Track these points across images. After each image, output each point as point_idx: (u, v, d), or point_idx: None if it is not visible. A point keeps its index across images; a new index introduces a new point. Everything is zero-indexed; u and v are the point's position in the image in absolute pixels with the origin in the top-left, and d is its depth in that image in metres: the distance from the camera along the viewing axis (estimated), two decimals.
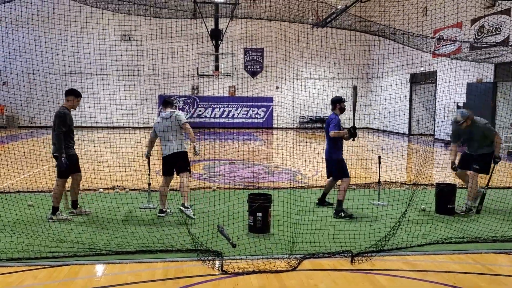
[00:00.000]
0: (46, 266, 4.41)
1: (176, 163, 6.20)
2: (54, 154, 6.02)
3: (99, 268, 4.44)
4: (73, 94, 6.14)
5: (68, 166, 5.90)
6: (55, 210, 5.95)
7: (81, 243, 5.04)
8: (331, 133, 6.30)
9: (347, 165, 6.57)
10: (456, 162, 6.81)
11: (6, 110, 22.30)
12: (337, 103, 6.53)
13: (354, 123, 6.25)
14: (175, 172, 6.29)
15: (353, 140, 6.30)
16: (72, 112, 6.21)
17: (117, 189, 7.94)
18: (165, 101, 6.37)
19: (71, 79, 19.99)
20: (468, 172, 6.80)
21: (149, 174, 6.99)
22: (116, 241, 5.10)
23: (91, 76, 20.18)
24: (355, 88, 6.35)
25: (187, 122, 6.25)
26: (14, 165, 9.15)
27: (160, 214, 6.21)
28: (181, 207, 5.89)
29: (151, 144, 6.45)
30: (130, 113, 18.90)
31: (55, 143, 5.96)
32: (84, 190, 6.67)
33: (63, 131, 5.90)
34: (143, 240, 5.19)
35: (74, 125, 6.20)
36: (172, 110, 6.28)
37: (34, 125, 21.99)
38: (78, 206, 6.39)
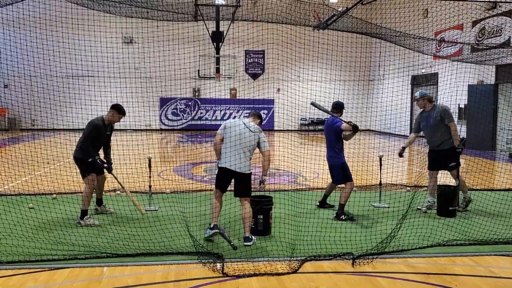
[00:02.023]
0: (46, 269, 4.40)
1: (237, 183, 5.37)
2: (76, 157, 6.06)
3: (100, 271, 4.44)
4: (115, 109, 6.15)
5: (102, 164, 6.09)
6: (83, 214, 5.89)
7: (81, 246, 5.04)
8: (343, 125, 6.14)
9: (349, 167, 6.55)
10: (407, 149, 7.09)
11: (8, 113, 22.34)
12: (343, 109, 6.50)
13: (344, 121, 6.17)
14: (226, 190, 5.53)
15: (358, 131, 6.08)
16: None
17: (118, 191, 7.93)
18: (255, 114, 5.59)
19: (72, 82, 20.08)
20: (450, 172, 6.85)
21: (149, 176, 6.98)
22: (117, 243, 5.09)
23: (92, 78, 20.20)
24: (313, 103, 6.28)
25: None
26: (16, 168, 9.16)
27: (210, 231, 5.25)
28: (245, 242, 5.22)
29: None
30: (131, 115, 18.93)
31: (81, 146, 6.02)
32: None
33: (84, 141, 5.97)
34: (144, 242, 5.18)
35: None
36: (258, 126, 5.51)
37: (36, 127, 22.03)
38: (103, 204, 6.53)
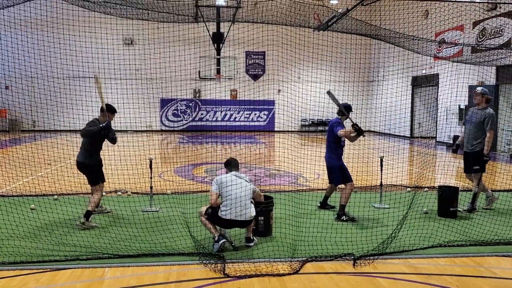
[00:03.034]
0: (48, 270, 4.42)
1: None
2: (82, 162, 6.09)
3: (101, 272, 4.45)
4: (109, 110, 6.19)
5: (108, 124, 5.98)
6: (89, 214, 5.85)
7: (83, 247, 5.05)
8: (339, 132, 6.16)
9: (348, 169, 6.56)
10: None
11: (9, 114, 22.38)
12: (350, 111, 6.44)
13: (352, 121, 6.06)
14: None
15: (363, 136, 6.01)
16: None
17: (120, 193, 7.95)
18: (236, 164, 5.37)
19: (74, 83, 20.11)
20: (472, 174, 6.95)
21: (151, 177, 6.99)
22: (118, 244, 5.11)
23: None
24: (328, 92, 6.22)
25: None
26: (17, 169, 9.18)
27: (217, 245, 4.94)
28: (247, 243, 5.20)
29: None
30: (132, 116, 18.99)
31: (84, 148, 6.08)
32: (88, 193, 6.71)
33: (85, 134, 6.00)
34: (145, 243, 5.19)
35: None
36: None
37: (37, 128, 22.06)
38: (99, 204, 6.57)
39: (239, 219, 4.99)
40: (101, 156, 6.30)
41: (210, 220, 5.07)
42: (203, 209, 5.17)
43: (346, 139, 6.49)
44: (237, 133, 24.02)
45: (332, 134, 6.38)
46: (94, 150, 6.13)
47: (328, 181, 6.73)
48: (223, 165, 5.53)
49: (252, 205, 5.13)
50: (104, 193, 7.59)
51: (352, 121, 6.03)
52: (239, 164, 5.45)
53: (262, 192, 6.12)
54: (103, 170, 6.39)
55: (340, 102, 6.27)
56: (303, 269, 4.50)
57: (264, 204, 5.50)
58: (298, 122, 25.12)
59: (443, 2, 12.66)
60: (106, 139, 6.16)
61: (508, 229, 5.88)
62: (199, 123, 24.74)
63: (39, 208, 6.44)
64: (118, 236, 5.40)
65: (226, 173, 5.31)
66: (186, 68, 21.57)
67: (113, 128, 6.19)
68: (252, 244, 5.18)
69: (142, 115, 21.73)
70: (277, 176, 10.32)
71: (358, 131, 5.90)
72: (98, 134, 5.96)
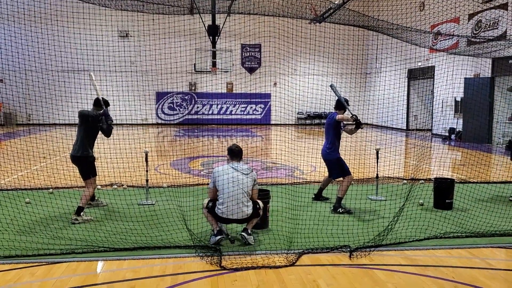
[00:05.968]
0: (43, 263, 4.39)
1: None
2: (77, 156, 6.05)
3: (97, 265, 4.43)
4: (105, 103, 6.20)
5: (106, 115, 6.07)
6: (80, 210, 5.81)
7: (78, 240, 5.03)
8: (338, 116, 6.25)
9: (345, 161, 6.57)
10: None
11: (4, 107, 22.21)
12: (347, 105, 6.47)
13: (351, 113, 6.15)
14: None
15: (361, 128, 6.08)
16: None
17: (115, 186, 7.92)
18: (238, 153, 5.17)
19: (68, 76, 19.96)
20: None
21: (146, 171, 6.96)
22: (114, 237, 5.09)
23: (88, 72, 20.15)
24: (332, 86, 6.35)
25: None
26: (12, 162, 9.13)
27: (215, 238, 4.95)
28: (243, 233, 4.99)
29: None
30: (127, 109, 18.89)
31: (79, 141, 6.08)
32: (83, 187, 6.68)
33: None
34: (141, 236, 5.17)
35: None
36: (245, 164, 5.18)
37: (31, 122, 21.92)
38: (96, 198, 6.59)
39: (235, 218, 4.94)
40: (94, 151, 6.27)
41: (210, 214, 5.06)
42: (206, 201, 5.14)
43: (345, 132, 6.56)
44: (233, 126, 23.97)
45: (331, 126, 6.39)
46: (89, 143, 6.11)
47: (328, 175, 6.75)
48: (219, 158, 5.50)
49: (250, 202, 4.99)
50: (99, 187, 7.57)
51: (352, 113, 6.07)
52: (240, 153, 5.17)
53: (258, 185, 6.05)
54: (96, 164, 6.35)
55: (329, 93, 6.54)
56: (299, 261, 4.50)
57: (260, 197, 5.44)
58: (294, 115, 25.09)
59: None
60: (100, 131, 6.13)
61: (503, 221, 5.91)
62: (195, 117, 24.66)
63: (34, 202, 6.40)
64: (114, 229, 5.38)
65: (227, 161, 5.20)
66: (181, 61, 21.44)
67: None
68: (247, 237, 4.92)
69: (137, 108, 21.64)
70: (273, 169, 10.31)
71: (357, 122, 5.98)
72: (96, 120, 5.98)
